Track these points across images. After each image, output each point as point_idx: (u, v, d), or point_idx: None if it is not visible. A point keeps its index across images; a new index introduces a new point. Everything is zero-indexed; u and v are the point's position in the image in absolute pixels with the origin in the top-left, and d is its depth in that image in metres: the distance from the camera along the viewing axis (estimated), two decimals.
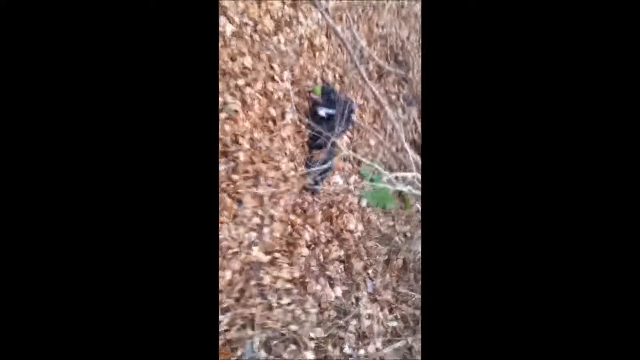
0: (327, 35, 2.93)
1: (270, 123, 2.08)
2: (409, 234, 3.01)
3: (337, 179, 2.78)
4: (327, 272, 2.33)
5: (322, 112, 2.47)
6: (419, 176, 2.52)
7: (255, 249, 1.84)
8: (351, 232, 2.64)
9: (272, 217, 1.96)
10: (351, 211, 2.76)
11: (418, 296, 2.64)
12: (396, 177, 2.50)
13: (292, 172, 2.19)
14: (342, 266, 2.46)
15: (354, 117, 2.78)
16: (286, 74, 2.21)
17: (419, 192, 2.65)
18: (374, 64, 3.70)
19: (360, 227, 2.74)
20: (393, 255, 2.77)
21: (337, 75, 2.97)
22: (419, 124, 3.86)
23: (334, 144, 2.16)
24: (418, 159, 2.60)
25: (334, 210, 2.59)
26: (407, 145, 2.54)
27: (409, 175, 2.54)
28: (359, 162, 3.09)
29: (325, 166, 2.13)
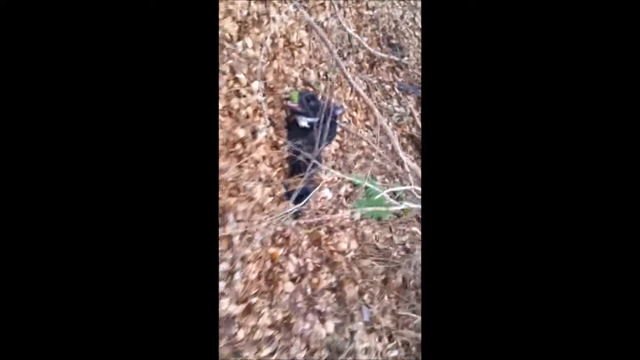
0: (307, 29, 2.58)
1: (239, 146, 1.78)
2: (408, 245, 2.73)
3: (325, 192, 2.49)
4: (317, 306, 2.07)
5: (304, 122, 2.16)
6: (417, 188, 2.23)
7: (224, 301, 1.57)
8: (343, 253, 2.37)
9: (243, 258, 1.68)
10: (343, 228, 2.48)
11: (420, 318, 2.39)
12: (392, 194, 2.21)
13: (270, 199, 1.90)
14: (333, 295, 2.20)
15: (340, 123, 2.46)
16: (256, 84, 1.89)
17: (417, 206, 2.36)
18: (364, 53, 3.34)
19: (354, 244, 2.46)
20: (391, 274, 2.50)
21: (320, 74, 2.64)
22: (416, 115, 3.52)
23: (314, 166, 1.85)
24: (415, 166, 2.29)
25: (322, 231, 2.31)
26: (401, 153, 2.23)
27: (405, 188, 2.25)
28: (349, 171, 2.80)
29: (301, 204, 1.83)
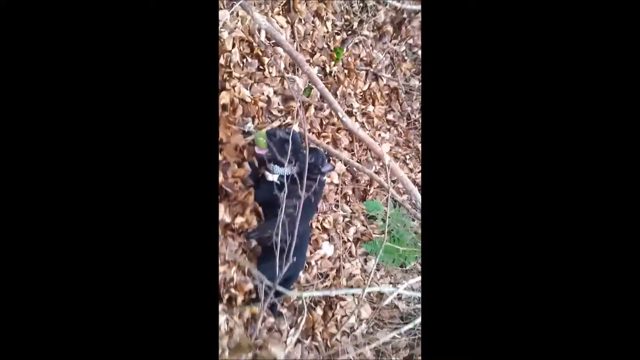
0: (286, 10, 1.73)
1: None
2: None
3: (324, 247, 1.83)
4: None
5: (272, 175, 1.48)
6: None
7: None
8: (349, 332, 1.78)
9: None
10: (351, 287, 1.85)
11: None
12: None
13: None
14: None
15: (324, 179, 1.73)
16: None
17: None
18: (386, 10, 2.40)
19: (366, 312, 1.85)
20: (418, 346, 1.89)
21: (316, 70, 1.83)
22: None
23: (277, 295, 1.18)
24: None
25: (318, 310, 1.70)
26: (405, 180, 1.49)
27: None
28: (364, 197, 2.08)
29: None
